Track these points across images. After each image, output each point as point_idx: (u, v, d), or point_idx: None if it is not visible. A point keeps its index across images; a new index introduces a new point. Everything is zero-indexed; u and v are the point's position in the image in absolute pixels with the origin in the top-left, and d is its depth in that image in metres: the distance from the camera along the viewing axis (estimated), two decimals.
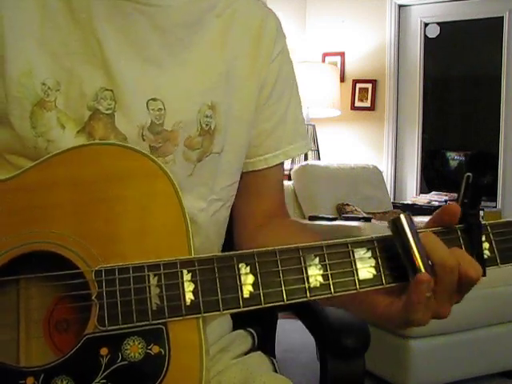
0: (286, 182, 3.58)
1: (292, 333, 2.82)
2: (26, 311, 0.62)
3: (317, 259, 0.61)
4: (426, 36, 4.47)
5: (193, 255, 0.61)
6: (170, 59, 0.77)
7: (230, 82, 0.82)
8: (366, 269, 0.61)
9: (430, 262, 0.58)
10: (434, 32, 4.52)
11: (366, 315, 0.67)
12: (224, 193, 0.86)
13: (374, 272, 0.61)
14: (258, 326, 0.99)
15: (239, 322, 0.97)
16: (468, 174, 0.63)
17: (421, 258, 0.58)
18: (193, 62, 0.79)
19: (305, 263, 0.61)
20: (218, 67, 0.81)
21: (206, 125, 0.79)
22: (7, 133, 0.71)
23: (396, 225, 0.59)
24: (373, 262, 0.62)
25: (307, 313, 0.98)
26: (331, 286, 0.61)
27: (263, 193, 0.92)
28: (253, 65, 0.85)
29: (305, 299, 0.60)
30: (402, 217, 0.59)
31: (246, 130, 0.86)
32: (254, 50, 0.85)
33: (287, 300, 0.60)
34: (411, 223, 0.59)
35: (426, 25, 4.48)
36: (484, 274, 0.61)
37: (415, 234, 0.59)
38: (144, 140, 0.74)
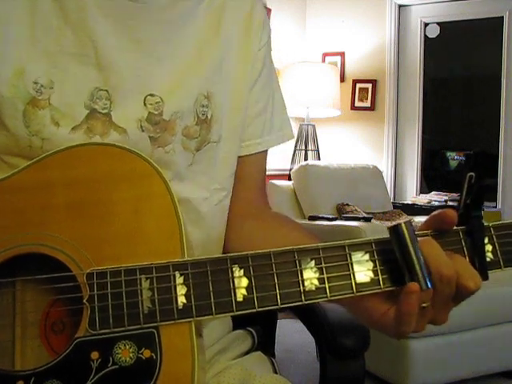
0: (286, 182, 3.58)
1: (292, 333, 2.82)
2: (22, 313, 0.62)
3: (313, 262, 0.60)
4: (426, 36, 4.46)
5: (186, 257, 0.60)
6: (167, 51, 0.78)
7: (223, 71, 0.83)
8: (363, 272, 0.60)
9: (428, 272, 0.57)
10: (434, 32, 4.51)
11: (364, 321, 0.67)
12: (227, 182, 0.87)
13: (372, 275, 0.60)
14: (258, 325, 0.98)
15: (239, 321, 0.97)
16: (470, 173, 0.61)
17: (420, 268, 0.56)
18: (189, 53, 0.80)
19: (300, 266, 0.60)
20: (213, 57, 0.82)
21: (203, 114, 0.80)
22: (2, 133, 0.71)
23: (396, 233, 0.58)
24: (370, 265, 0.60)
25: (307, 313, 0.97)
26: (327, 290, 0.60)
27: (246, 179, 0.92)
28: (244, 53, 0.86)
29: (300, 303, 0.59)
30: (403, 225, 0.57)
31: (241, 117, 0.87)
32: (244, 38, 0.87)
33: (281, 304, 0.59)
34: (411, 231, 0.57)
35: (426, 25, 4.47)
36: (486, 278, 0.60)
37: (415, 242, 0.57)
38: (143, 131, 0.75)
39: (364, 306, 0.64)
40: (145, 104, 0.75)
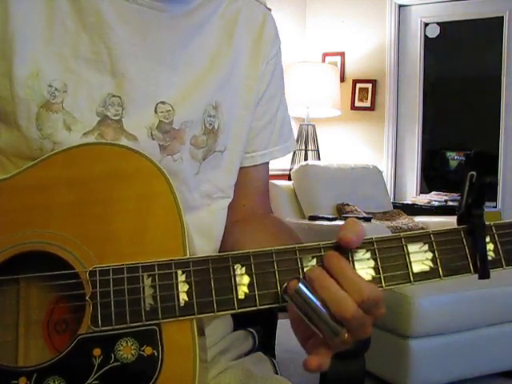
0: (286, 182, 3.58)
1: (292, 333, 2.82)
2: (26, 311, 0.62)
3: (314, 260, 0.60)
4: (426, 36, 4.47)
5: (188, 256, 0.61)
6: (180, 60, 0.78)
7: (232, 82, 0.84)
8: (364, 270, 0.60)
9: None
10: (434, 32, 4.51)
11: None
12: (230, 191, 0.88)
13: (373, 273, 0.60)
14: (259, 326, 0.98)
15: (240, 322, 0.97)
16: (472, 172, 0.61)
17: (334, 322, 0.56)
18: (201, 62, 0.80)
19: (301, 264, 0.60)
20: (223, 67, 0.83)
21: (210, 124, 0.81)
22: (14, 134, 0.71)
23: (298, 296, 0.56)
24: (372, 263, 0.61)
25: None
26: None
27: (247, 189, 0.93)
28: (253, 64, 0.87)
29: None
30: (301, 286, 0.56)
31: (246, 128, 0.88)
32: (254, 50, 0.87)
33: (283, 302, 0.59)
34: (309, 289, 0.56)
35: (426, 25, 4.47)
36: (488, 277, 0.60)
37: (317, 298, 0.56)
38: (153, 139, 0.75)
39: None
40: (156, 112, 0.75)
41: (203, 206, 0.83)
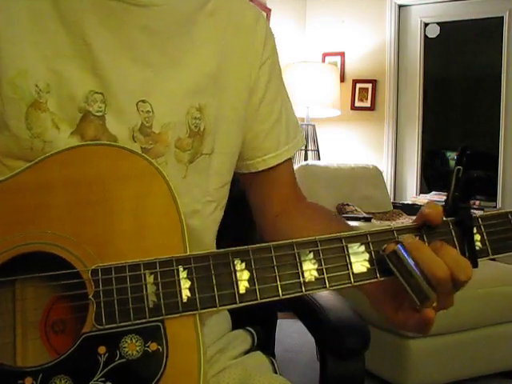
0: None
1: (292, 333, 2.82)
2: (23, 313, 0.62)
3: (311, 254, 0.62)
4: (426, 36, 4.47)
5: (188, 252, 0.62)
6: (160, 60, 0.77)
7: (218, 83, 0.82)
8: (359, 263, 0.63)
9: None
10: (434, 32, 4.51)
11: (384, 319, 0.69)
12: (217, 194, 0.87)
13: (368, 265, 0.63)
14: (258, 325, 0.99)
15: (239, 321, 0.98)
16: (458, 167, 0.64)
17: (423, 288, 0.59)
18: (183, 63, 0.79)
19: (299, 258, 0.62)
20: (208, 68, 0.81)
21: (195, 126, 0.79)
22: (4, 134, 0.71)
23: (395, 257, 0.60)
24: (367, 255, 0.63)
25: (307, 313, 0.97)
26: (326, 281, 0.62)
27: (273, 186, 0.93)
28: (242, 66, 0.86)
29: (300, 294, 0.61)
30: (400, 248, 0.59)
31: (236, 130, 0.86)
32: (244, 51, 0.86)
33: (283, 295, 0.61)
34: (406, 254, 0.60)
35: (426, 25, 4.48)
36: (476, 266, 0.63)
37: (411, 264, 0.59)
38: (135, 142, 0.74)
39: (377, 307, 0.67)
40: (138, 109, 0.74)
41: (192, 212, 0.82)
